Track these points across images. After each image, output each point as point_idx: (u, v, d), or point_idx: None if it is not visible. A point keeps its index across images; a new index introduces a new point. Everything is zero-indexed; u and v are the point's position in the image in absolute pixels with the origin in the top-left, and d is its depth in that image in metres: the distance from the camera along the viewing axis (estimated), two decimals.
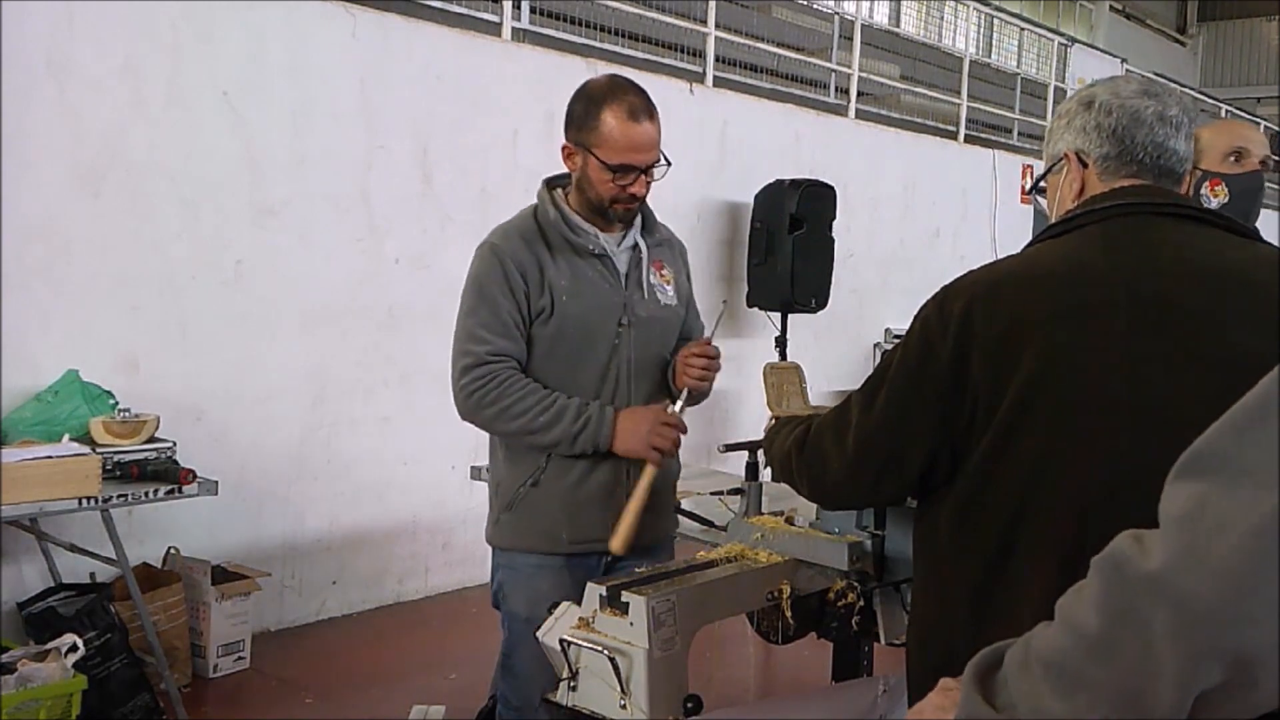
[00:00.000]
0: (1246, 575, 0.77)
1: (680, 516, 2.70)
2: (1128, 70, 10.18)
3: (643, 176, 2.27)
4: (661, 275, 2.42)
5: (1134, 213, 1.48)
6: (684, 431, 2.27)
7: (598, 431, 2.24)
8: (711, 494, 3.04)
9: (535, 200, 2.40)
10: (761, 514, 2.07)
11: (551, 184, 2.41)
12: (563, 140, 2.31)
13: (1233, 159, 2.37)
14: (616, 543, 2.16)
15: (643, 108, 2.23)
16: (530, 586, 2.30)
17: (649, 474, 2.22)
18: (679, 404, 2.29)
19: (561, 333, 2.29)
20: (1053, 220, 1.60)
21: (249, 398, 4.29)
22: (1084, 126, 1.56)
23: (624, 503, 2.21)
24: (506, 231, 2.36)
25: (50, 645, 3.18)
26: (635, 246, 2.39)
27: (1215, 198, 2.34)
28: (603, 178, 2.25)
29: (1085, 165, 1.56)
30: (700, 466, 3.90)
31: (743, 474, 2.34)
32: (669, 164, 2.29)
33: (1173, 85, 1.71)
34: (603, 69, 5.51)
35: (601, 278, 2.33)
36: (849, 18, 7.78)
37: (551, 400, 2.24)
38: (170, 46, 4.00)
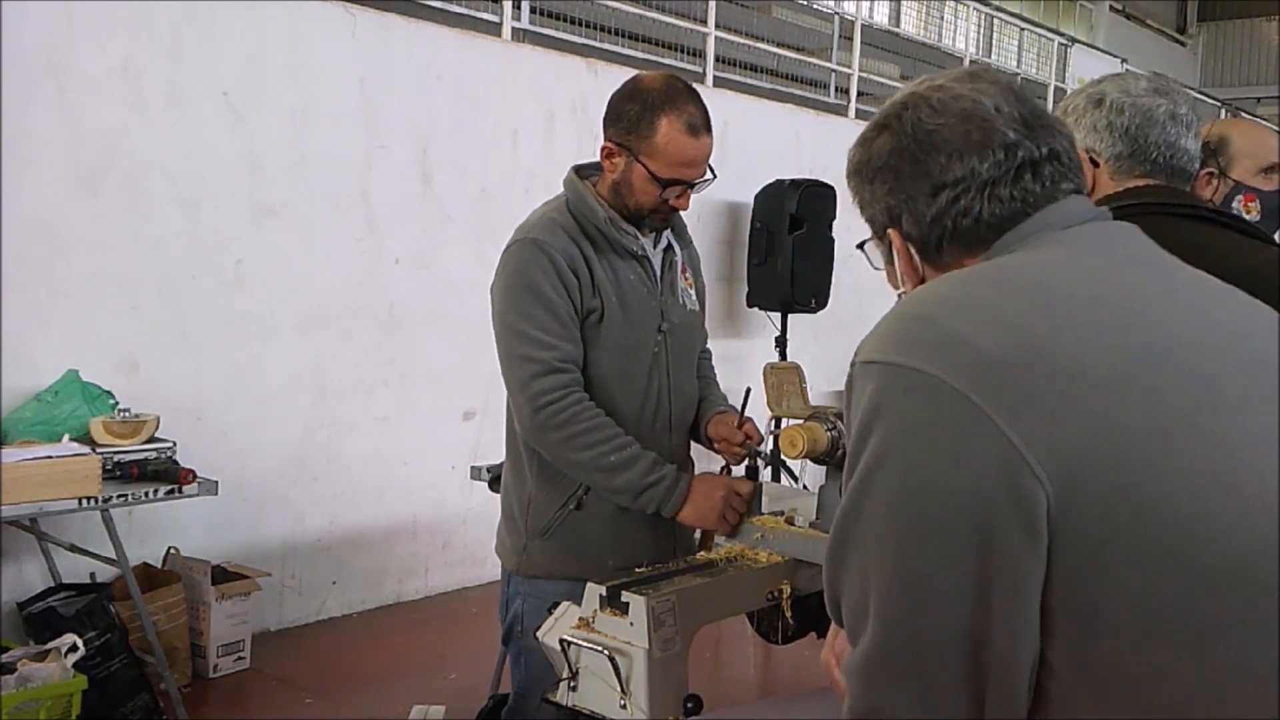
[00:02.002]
0: None
1: None
2: (1127, 70, 10.18)
3: (689, 190, 2.13)
4: (685, 279, 2.30)
5: (1149, 213, 1.47)
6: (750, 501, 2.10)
7: (667, 496, 2.06)
8: None
9: (564, 191, 2.21)
10: (761, 514, 2.07)
11: (580, 173, 2.22)
12: (602, 137, 2.13)
13: (1265, 174, 2.31)
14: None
15: (702, 120, 2.08)
16: None
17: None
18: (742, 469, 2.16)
19: (610, 339, 2.13)
20: None
21: (249, 398, 4.29)
22: (1094, 124, 1.55)
23: (672, 524, 2.14)
24: (546, 225, 2.13)
25: (50, 645, 3.18)
26: (669, 248, 2.25)
27: (1248, 214, 2.28)
28: (648, 189, 2.09)
29: (1096, 164, 1.55)
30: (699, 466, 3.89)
31: (741, 474, 2.32)
32: (714, 176, 2.14)
33: (1177, 83, 1.71)
34: (603, 69, 5.51)
35: (640, 281, 2.18)
36: (849, 18, 7.78)
37: (626, 441, 2.06)
38: (170, 47, 4.00)
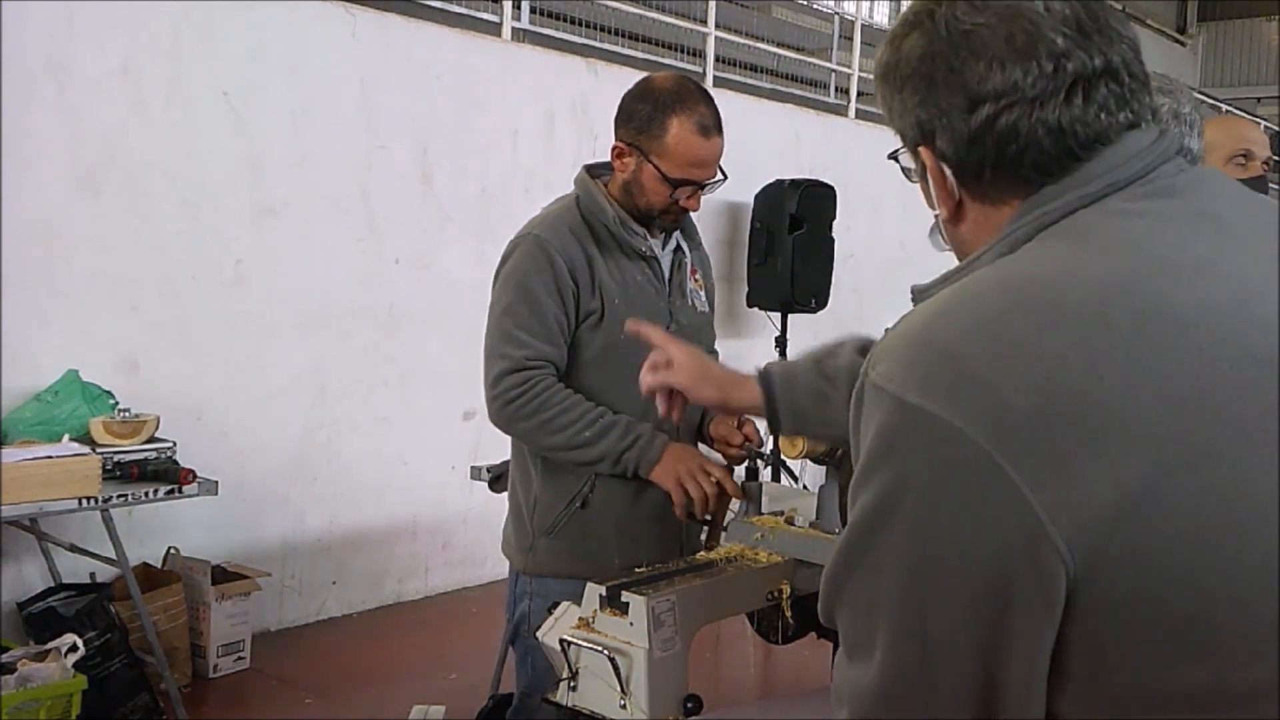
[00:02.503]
0: None
1: None
2: None
3: (699, 191, 2.14)
4: (695, 280, 2.30)
5: None
6: (736, 497, 2.08)
7: (644, 453, 2.08)
8: None
9: (574, 189, 2.22)
10: (761, 514, 2.07)
11: (592, 173, 2.22)
12: (608, 137, 2.15)
13: (1236, 163, 2.31)
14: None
15: (713, 121, 2.10)
16: None
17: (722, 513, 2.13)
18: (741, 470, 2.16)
19: (611, 339, 2.12)
20: None
21: (249, 398, 4.29)
22: None
23: (675, 519, 2.14)
24: (552, 223, 2.15)
25: (50, 645, 3.18)
26: (678, 249, 2.26)
27: None
28: (658, 189, 2.11)
29: None
30: None
31: (742, 474, 2.32)
32: (725, 177, 2.16)
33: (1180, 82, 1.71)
34: (603, 69, 5.51)
35: (648, 281, 2.19)
36: (849, 18, 7.79)
37: (597, 414, 2.09)
38: (170, 47, 4.01)
